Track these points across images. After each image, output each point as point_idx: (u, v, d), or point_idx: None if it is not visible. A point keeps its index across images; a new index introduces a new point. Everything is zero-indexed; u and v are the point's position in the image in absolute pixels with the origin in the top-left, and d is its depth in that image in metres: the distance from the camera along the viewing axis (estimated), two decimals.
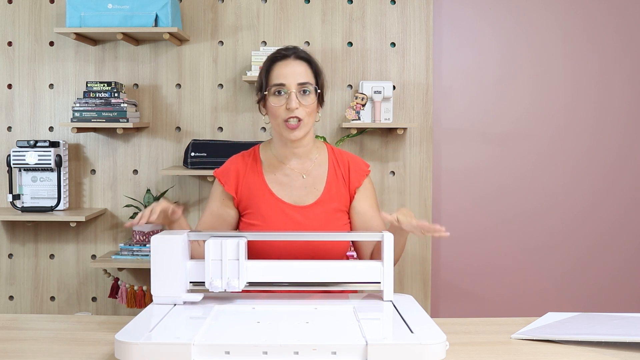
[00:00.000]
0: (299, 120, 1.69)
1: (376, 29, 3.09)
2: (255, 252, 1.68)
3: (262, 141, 3.01)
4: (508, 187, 3.25)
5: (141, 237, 2.94)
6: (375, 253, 1.78)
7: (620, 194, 3.27)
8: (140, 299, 2.96)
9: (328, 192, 1.77)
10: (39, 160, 2.91)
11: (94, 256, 3.11)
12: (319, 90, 1.74)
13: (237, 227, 1.82)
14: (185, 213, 3.11)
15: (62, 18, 3.04)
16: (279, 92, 1.70)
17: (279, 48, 1.79)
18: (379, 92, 2.96)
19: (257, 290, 1.54)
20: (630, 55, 3.23)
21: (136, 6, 2.85)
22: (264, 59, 2.84)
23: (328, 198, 1.76)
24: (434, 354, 1.19)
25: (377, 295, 1.55)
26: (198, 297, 1.47)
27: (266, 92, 1.72)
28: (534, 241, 3.26)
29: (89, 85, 2.92)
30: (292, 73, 1.70)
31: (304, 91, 1.70)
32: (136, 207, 3.00)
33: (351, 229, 1.81)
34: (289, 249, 1.68)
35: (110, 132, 3.09)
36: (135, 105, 3.04)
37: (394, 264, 1.67)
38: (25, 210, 2.95)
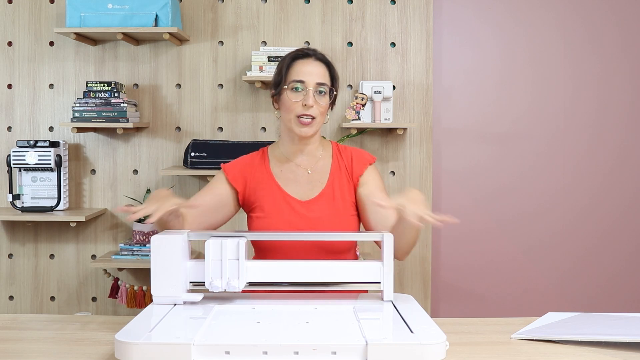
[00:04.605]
0: (313, 118, 1.74)
1: (376, 29, 3.09)
2: (261, 243, 1.76)
3: (262, 141, 3.04)
4: (508, 187, 3.25)
5: (141, 237, 2.94)
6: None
7: (620, 194, 3.27)
8: (140, 299, 2.97)
9: (331, 185, 1.80)
10: (39, 160, 2.91)
11: (94, 256, 3.11)
12: (335, 93, 1.80)
13: (227, 212, 1.82)
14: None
15: (62, 18, 3.04)
16: (297, 88, 1.74)
17: (299, 48, 1.84)
18: (379, 92, 2.96)
19: (258, 290, 1.54)
20: (630, 55, 3.23)
21: (136, 6, 2.85)
22: (264, 59, 2.92)
23: (331, 190, 1.79)
24: (434, 354, 1.19)
25: (377, 295, 1.55)
26: (198, 297, 1.47)
27: (285, 87, 1.76)
28: (534, 241, 3.26)
29: (89, 85, 2.92)
30: (312, 72, 1.76)
31: (320, 91, 1.75)
32: None
33: (361, 216, 1.80)
34: (295, 241, 1.71)
35: (110, 132, 3.09)
36: (135, 105, 3.04)
37: (406, 254, 1.66)
38: (25, 210, 2.95)
